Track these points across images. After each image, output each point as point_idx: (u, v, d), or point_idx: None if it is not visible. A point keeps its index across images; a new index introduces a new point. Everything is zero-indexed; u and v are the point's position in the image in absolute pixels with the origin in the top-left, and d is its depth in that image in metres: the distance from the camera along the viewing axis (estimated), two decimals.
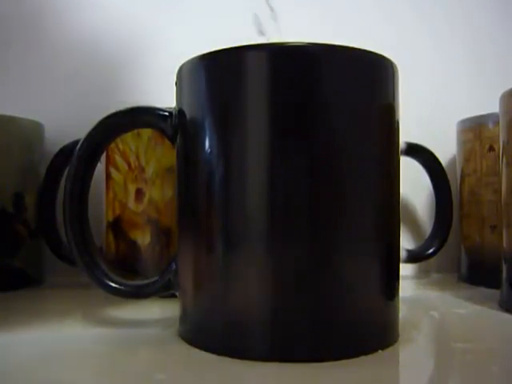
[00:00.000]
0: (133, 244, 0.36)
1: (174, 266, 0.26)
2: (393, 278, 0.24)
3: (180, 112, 0.25)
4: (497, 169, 0.38)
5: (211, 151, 0.23)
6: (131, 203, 0.36)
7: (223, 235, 0.23)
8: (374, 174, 0.23)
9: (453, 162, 0.46)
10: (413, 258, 0.42)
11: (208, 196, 0.23)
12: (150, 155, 0.36)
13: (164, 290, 0.26)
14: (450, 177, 0.42)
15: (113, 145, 0.36)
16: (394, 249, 0.24)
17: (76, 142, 0.29)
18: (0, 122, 0.38)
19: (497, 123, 0.33)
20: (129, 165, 0.36)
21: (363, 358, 0.22)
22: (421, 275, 0.46)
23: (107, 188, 0.37)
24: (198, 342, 0.24)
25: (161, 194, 0.36)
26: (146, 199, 0.36)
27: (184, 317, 0.25)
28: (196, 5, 0.48)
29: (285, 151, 0.22)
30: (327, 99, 0.22)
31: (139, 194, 0.36)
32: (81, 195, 0.26)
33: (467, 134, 0.41)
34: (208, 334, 0.23)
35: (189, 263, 0.24)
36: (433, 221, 0.43)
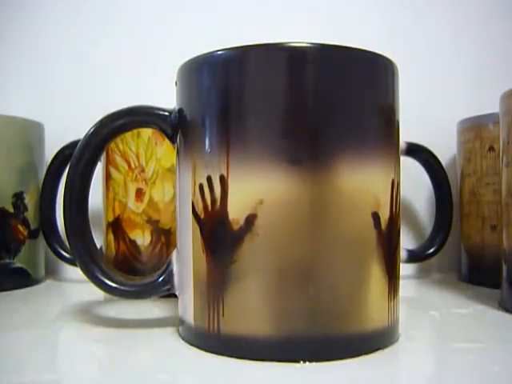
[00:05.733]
0: (133, 244, 0.36)
1: (173, 266, 0.26)
2: (393, 277, 0.24)
3: (180, 112, 0.25)
4: (497, 169, 0.38)
5: (211, 151, 0.23)
6: (131, 203, 0.36)
7: (223, 234, 0.23)
8: (374, 173, 0.23)
9: (453, 162, 0.46)
10: (413, 257, 0.42)
11: (208, 196, 0.23)
12: (150, 155, 0.36)
13: (164, 290, 0.26)
14: (450, 177, 0.42)
15: (113, 145, 0.36)
16: (395, 249, 0.24)
17: (76, 142, 0.29)
18: (0, 121, 0.38)
19: (497, 123, 0.33)
20: (129, 165, 0.36)
21: (363, 357, 0.22)
22: (421, 275, 0.46)
23: (107, 188, 0.37)
24: (197, 342, 0.24)
25: (161, 193, 0.36)
26: (146, 199, 0.36)
27: (184, 317, 0.25)
28: (196, 5, 0.48)
29: (284, 152, 0.22)
30: (327, 99, 0.22)
31: (139, 194, 0.36)
32: (81, 195, 0.26)
33: (467, 134, 0.41)
34: (208, 334, 0.23)
35: (188, 263, 0.24)
36: (433, 221, 0.43)
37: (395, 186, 0.24)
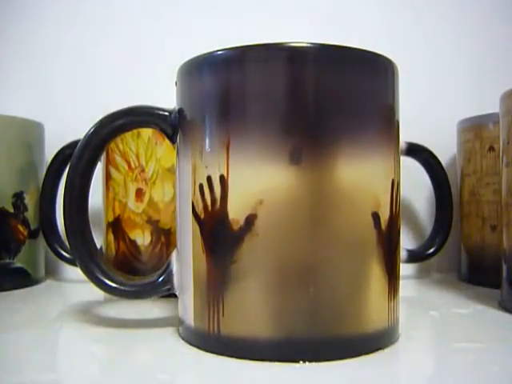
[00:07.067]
0: (133, 244, 0.36)
1: (173, 266, 0.26)
2: (393, 277, 0.24)
3: (180, 112, 0.25)
4: (497, 169, 0.38)
5: (211, 151, 0.23)
6: (131, 203, 0.36)
7: (223, 234, 0.23)
8: (374, 173, 0.23)
9: (453, 162, 0.46)
10: (413, 257, 0.42)
11: (208, 196, 0.23)
12: (150, 155, 0.36)
13: (164, 290, 0.26)
14: (450, 177, 0.42)
15: (113, 145, 0.36)
16: (395, 249, 0.24)
17: (76, 142, 0.29)
18: (0, 121, 0.38)
19: (497, 123, 0.33)
20: (129, 165, 0.36)
21: (363, 357, 0.22)
22: (421, 275, 0.46)
23: (107, 188, 0.37)
24: (197, 342, 0.24)
25: (161, 193, 0.36)
26: (146, 199, 0.36)
27: (184, 317, 0.25)
28: (196, 5, 0.48)
29: (284, 152, 0.22)
30: (327, 99, 0.22)
31: (139, 194, 0.36)
32: (81, 195, 0.26)
33: (467, 134, 0.41)
34: (208, 334, 0.23)
35: (188, 263, 0.24)
36: (433, 221, 0.43)
37: (395, 186, 0.24)
